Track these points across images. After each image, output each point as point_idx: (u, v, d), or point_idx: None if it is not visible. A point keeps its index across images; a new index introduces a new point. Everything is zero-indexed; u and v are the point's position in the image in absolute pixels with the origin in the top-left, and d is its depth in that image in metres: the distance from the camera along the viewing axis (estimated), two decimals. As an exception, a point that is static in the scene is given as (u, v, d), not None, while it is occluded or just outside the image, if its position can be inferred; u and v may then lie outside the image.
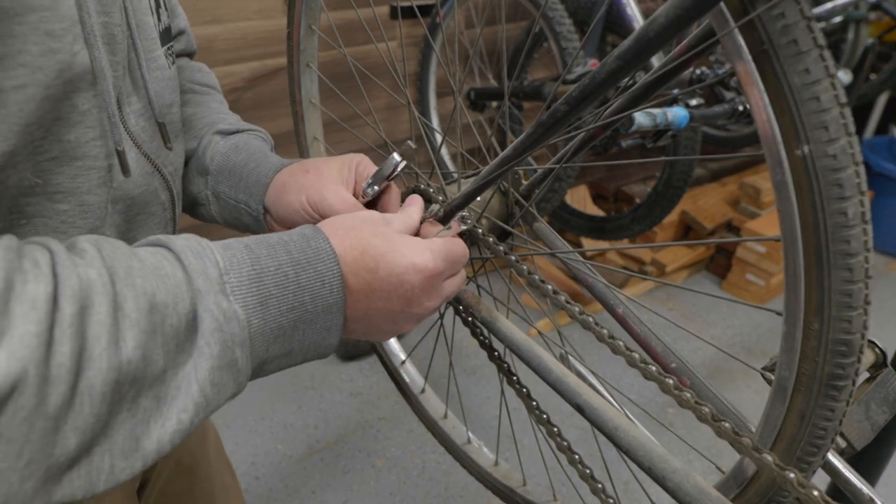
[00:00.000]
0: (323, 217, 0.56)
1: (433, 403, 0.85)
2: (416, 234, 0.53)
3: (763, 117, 0.31)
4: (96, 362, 0.31)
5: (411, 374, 0.88)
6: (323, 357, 0.44)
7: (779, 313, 0.38)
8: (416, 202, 0.55)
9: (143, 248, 0.38)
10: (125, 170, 0.46)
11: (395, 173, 0.56)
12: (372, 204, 0.59)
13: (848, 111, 0.30)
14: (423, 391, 0.86)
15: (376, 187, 0.57)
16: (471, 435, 0.83)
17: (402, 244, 0.45)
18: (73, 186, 0.43)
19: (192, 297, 0.36)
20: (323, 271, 0.42)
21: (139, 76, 0.49)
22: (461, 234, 0.60)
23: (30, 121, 0.37)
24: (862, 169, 0.31)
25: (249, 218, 0.62)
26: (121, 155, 0.46)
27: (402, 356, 0.89)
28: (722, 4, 0.30)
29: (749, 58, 0.30)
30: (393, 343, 0.89)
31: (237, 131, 0.65)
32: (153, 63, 0.51)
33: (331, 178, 0.57)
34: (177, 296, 0.35)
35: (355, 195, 0.57)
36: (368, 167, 0.59)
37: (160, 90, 0.52)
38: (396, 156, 0.55)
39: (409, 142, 0.56)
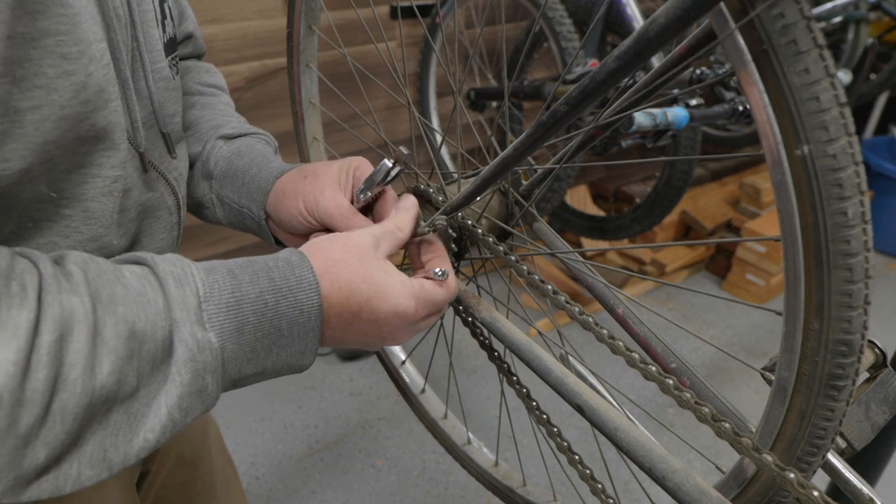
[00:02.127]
0: (320, 222, 0.57)
1: (433, 404, 0.85)
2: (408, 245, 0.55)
3: (763, 117, 0.31)
4: (70, 386, 0.33)
5: (411, 375, 0.88)
6: (300, 372, 0.46)
7: (779, 313, 0.38)
8: (409, 209, 0.55)
9: (128, 266, 0.39)
10: (146, 167, 0.49)
11: (388, 179, 0.56)
12: (367, 208, 0.59)
13: (848, 111, 0.30)
14: (423, 391, 0.86)
15: (369, 193, 0.57)
16: (471, 435, 0.83)
17: (388, 288, 0.46)
18: (77, 193, 0.44)
19: (170, 325, 0.37)
20: (303, 300, 0.43)
21: (144, 87, 0.50)
22: (460, 237, 0.60)
23: (47, 139, 0.39)
24: (862, 169, 0.31)
25: (252, 222, 0.62)
26: (142, 156, 0.48)
27: (402, 356, 0.89)
28: (722, 4, 0.30)
29: (749, 58, 0.30)
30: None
31: (241, 135, 0.66)
32: (157, 74, 0.52)
33: (327, 183, 0.57)
34: (156, 323, 0.37)
35: (352, 200, 0.58)
36: (366, 171, 0.59)
37: (164, 100, 0.53)
38: (388, 161, 0.55)
39: (402, 147, 0.55)
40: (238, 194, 0.62)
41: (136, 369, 0.36)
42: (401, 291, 0.47)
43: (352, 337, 0.47)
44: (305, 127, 0.80)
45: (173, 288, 0.38)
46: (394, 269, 0.49)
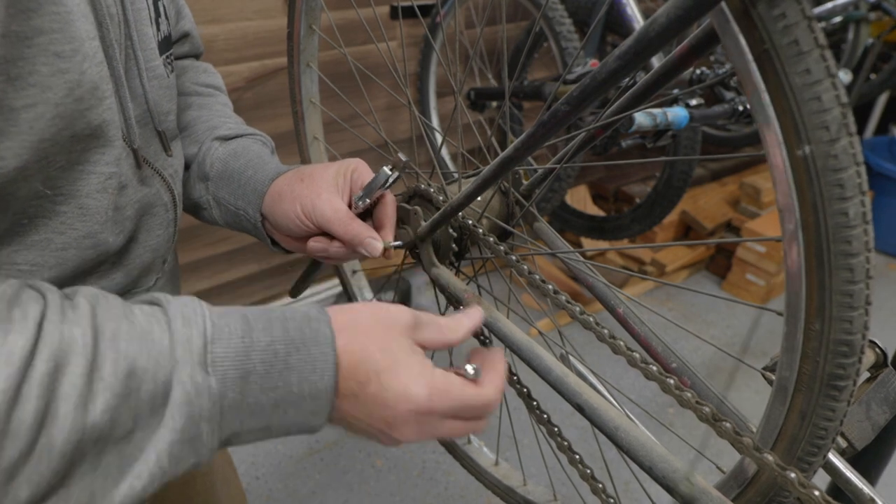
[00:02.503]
0: (317, 226, 0.56)
1: None
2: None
3: (763, 117, 0.31)
4: (60, 421, 0.31)
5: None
6: (312, 433, 0.42)
7: (779, 313, 0.38)
8: (472, 318, 0.47)
9: (140, 305, 0.38)
10: (139, 163, 0.49)
11: (387, 185, 0.55)
12: (366, 214, 0.59)
13: (849, 111, 0.30)
14: None
15: (367, 200, 0.56)
16: (470, 434, 0.83)
17: (403, 366, 0.41)
18: (72, 189, 0.43)
19: (171, 365, 0.35)
20: (316, 355, 0.39)
21: (138, 85, 0.50)
22: (461, 237, 0.60)
23: (42, 137, 0.38)
24: (863, 169, 0.31)
25: (249, 224, 0.62)
26: (136, 152, 0.48)
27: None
28: (723, 4, 0.30)
29: (750, 58, 0.30)
30: None
31: (237, 136, 0.65)
32: (151, 72, 0.52)
33: (324, 186, 0.56)
34: (158, 363, 0.35)
35: (350, 204, 0.57)
36: (364, 174, 0.58)
37: (158, 99, 0.53)
38: (387, 169, 0.55)
39: (400, 154, 0.55)
40: (234, 196, 0.61)
41: (133, 410, 0.34)
42: (418, 373, 0.41)
43: (356, 413, 0.41)
44: (306, 126, 0.80)
45: (180, 326, 0.37)
46: (421, 355, 0.42)
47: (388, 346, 0.41)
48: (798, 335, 0.36)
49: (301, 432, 0.41)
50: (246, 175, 0.61)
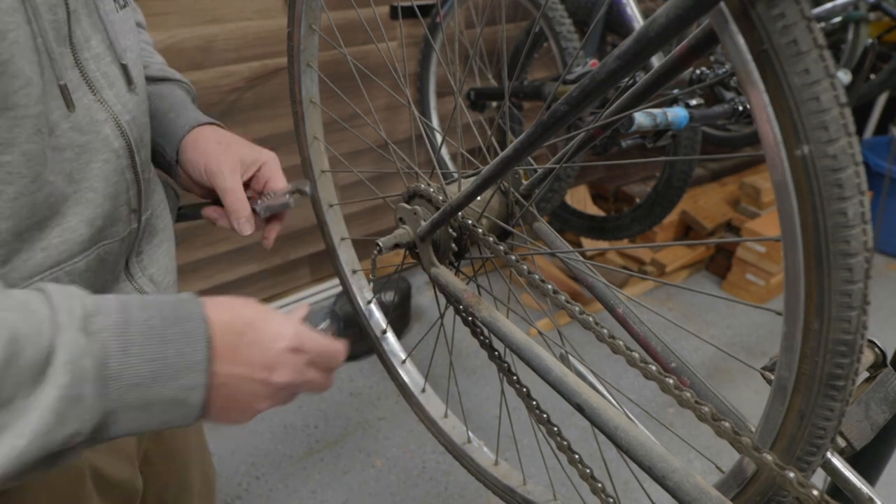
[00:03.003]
0: (211, 185, 0.65)
1: (434, 403, 0.85)
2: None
3: (763, 117, 0.31)
4: None
5: (412, 375, 0.88)
6: (186, 422, 0.43)
7: (779, 313, 0.38)
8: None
9: (19, 290, 0.39)
10: (69, 104, 0.48)
11: (278, 210, 0.65)
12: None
13: (848, 111, 0.30)
14: (423, 391, 0.86)
15: (266, 213, 0.66)
16: (471, 434, 0.83)
17: (271, 314, 0.47)
18: (10, 137, 0.43)
19: (53, 331, 0.36)
20: (189, 330, 0.42)
21: (97, 19, 0.52)
22: (461, 237, 0.60)
23: None
24: (862, 169, 0.31)
25: (164, 161, 0.69)
26: (63, 89, 0.47)
27: (403, 356, 0.89)
28: (722, 4, 0.30)
29: (749, 58, 0.30)
30: (393, 343, 0.89)
31: (163, 79, 0.71)
32: (104, 7, 0.53)
33: (231, 162, 0.64)
34: (39, 330, 0.36)
35: (246, 188, 0.66)
36: (272, 170, 0.67)
37: (116, 33, 0.55)
38: (290, 201, 0.64)
39: (307, 185, 0.64)
40: (155, 133, 0.67)
41: (15, 376, 0.35)
42: (285, 318, 0.47)
43: (237, 370, 0.44)
44: (306, 126, 0.80)
45: (60, 299, 0.38)
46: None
47: (253, 304, 0.47)
48: (797, 335, 0.36)
49: (180, 419, 0.42)
50: (168, 117, 0.68)
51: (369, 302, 0.89)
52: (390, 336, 0.89)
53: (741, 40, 0.30)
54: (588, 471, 0.61)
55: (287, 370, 0.46)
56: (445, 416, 0.84)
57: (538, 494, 0.74)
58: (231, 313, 0.45)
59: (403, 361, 0.88)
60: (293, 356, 0.47)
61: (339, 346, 0.51)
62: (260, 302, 0.48)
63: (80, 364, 0.37)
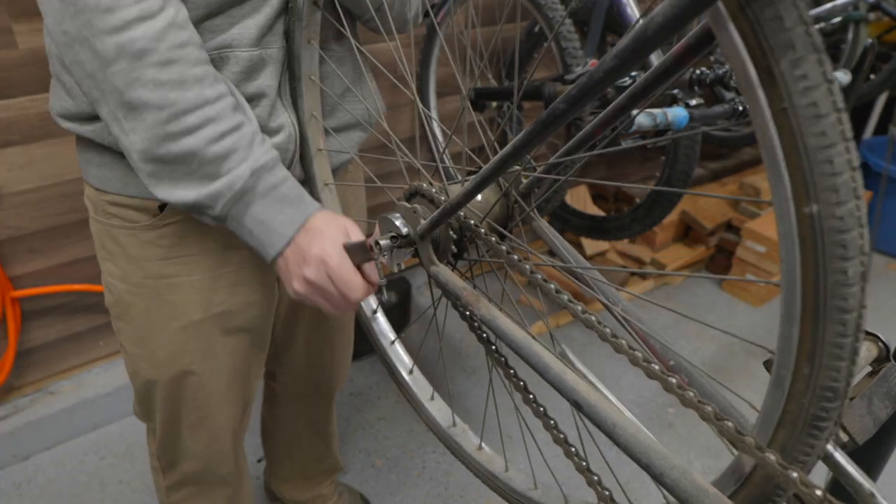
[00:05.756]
0: None
1: (421, 385, 0.86)
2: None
3: (775, 173, 0.32)
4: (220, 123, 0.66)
5: (400, 357, 0.88)
6: (266, 251, 0.69)
7: (771, 352, 0.39)
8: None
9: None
10: None
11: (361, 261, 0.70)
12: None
13: (858, 175, 0.31)
14: (410, 372, 0.86)
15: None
16: (456, 417, 0.83)
17: (335, 238, 0.69)
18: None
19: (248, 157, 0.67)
20: (299, 216, 0.70)
21: None
22: (461, 237, 0.60)
23: None
24: (867, 231, 0.32)
25: None
26: None
27: (392, 336, 0.89)
28: (719, 3, 0.30)
29: (748, 59, 0.31)
30: (384, 324, 0.90)
31: None
32: None
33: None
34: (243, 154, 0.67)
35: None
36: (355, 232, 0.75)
37: None
38: (381, 281, 0.71)
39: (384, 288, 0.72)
40: None
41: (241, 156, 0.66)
42: (335, 242, 0.69)
43: (295, 251, 0.69)
44: (304, 103, 0.80)
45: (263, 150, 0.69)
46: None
47: (336, 229, 0.70)
48: (787, 379, 0.37)
49: (265, 241, 0.69)
50: None
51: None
52: (381, 317, 0.90)
53: (738, 40, 0.30)
54: (596, 478, 0.61)
55: (311, 269, 0.68)
56: (432, 398, 0.84)
57: (520, 482, 0.74)
58: (323, 222, 0.69)
59: (392, 342, 0.89)
60: (320, 265, 0.67)
61: (357, 281, 0.68)
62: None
63: (246, 179, 0.66)
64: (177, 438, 0.96)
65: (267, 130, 0.75)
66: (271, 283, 0.93)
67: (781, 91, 0.30)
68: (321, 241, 0.67)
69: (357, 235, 0.70)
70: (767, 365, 0.42)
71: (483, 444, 0.79)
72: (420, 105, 0.68)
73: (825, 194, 0.31)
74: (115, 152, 0.74)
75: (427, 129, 0.67)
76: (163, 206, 0.77)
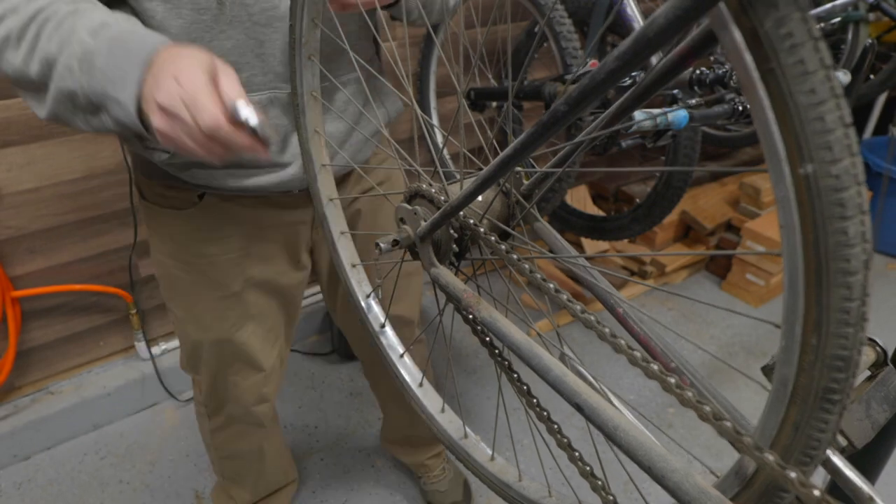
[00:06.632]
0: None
1: (431, 397, 0.85)
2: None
3: (768, 136, 0.32)
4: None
5: (410, 369, 0.88)
6: (121, 99, 0.63)
7: (778, 326, 0.38)
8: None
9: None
10: None
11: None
12: None
13: (852, 131, 0.30)
14: (420, 385, 0.86)
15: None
16: (467, 429, 0.83)
17: (194, 58, 0.62)
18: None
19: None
20: (142, 55, 0.63)
21: None
22: (461, 237, 0.60)
23: None
24: (864, 189, 0.31)
25: None
26: None
27: (401, 350, 0.89)
28: (721, 4, 0.30)
29: (753, 65, 0.30)
30: (392, 337, 0.89)
31: None
32: None
33: None
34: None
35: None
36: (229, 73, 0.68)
37: None
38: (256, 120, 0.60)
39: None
40: None
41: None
42: (201, 62, 0.61)
43: (151, 78, 0.62)
44: (307, 120, 0.80)
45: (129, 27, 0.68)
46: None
47: (196, 52, 0.63)
48: (795, 348, 0.36)
49: (116, 83, 0.63)
50: None
51: (368, 296, 0.89)
52: (389, 330, 0.89)
53: (740, 41, 0.30)
54: (588, 468, 0.61)
55: (162, 92, 0.60)
56: (443, 410, 0.84)
57: (534, 491, 0.74)
58: (181, 47, 0.64)
59: (401, 356, 0.88)
60: (171, 85, 0.59)
61: (207, 102, 0.58)
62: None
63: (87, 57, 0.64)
64: (221, 387, 1.14)
65: (279, 165, 0.80)
66: (302, 258, 1.09)
67: (767, 51, 0.30)
68: (176, 62, 0.61)
69: (226, 69, 0.63)
70: (766, 371, 0.42)
71: (495, 455, 0.79)
72: (417, 109, 0.68)
73: (819, 153, 0.30)
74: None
75: (425, 130, 0.67)
76: (202, 194, 0.90)
